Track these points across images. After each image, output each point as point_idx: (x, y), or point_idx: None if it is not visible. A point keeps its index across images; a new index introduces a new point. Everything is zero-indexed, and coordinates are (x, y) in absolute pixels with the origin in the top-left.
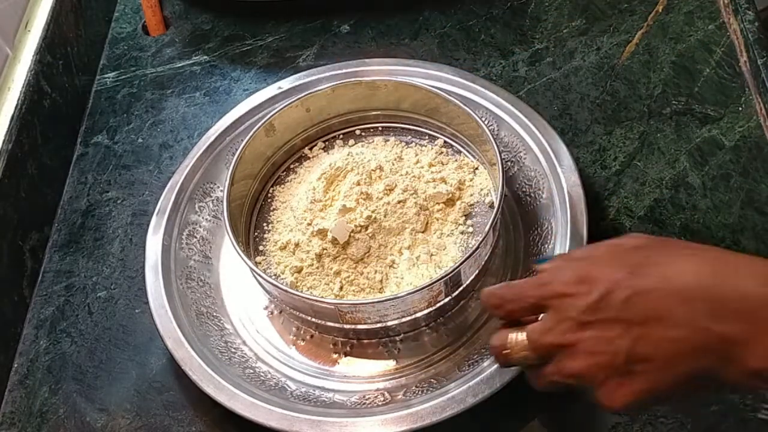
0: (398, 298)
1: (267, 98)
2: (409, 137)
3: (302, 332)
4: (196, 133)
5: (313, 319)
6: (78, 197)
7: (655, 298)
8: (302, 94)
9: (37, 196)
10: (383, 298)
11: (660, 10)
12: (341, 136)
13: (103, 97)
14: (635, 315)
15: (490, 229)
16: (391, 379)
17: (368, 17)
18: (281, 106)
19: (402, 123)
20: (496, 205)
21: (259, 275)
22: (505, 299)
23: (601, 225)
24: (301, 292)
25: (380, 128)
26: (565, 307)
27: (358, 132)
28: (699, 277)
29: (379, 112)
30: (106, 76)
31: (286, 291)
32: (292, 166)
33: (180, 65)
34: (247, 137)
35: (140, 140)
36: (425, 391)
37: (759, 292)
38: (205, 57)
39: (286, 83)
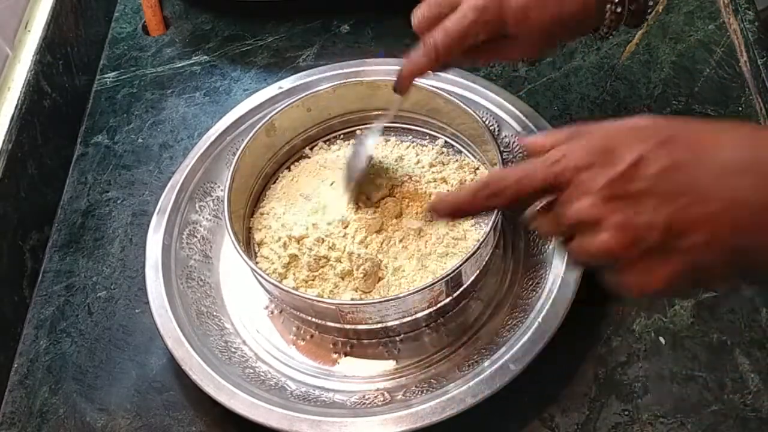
0: (399, 298)
1: (267, 98)
2: (410, 137)
3: (302, 332)
4: (196, 133)
5: (314, 319)
6: (78, 197)
7: (694, 169)
8: (303, 94)
9: (37, 196)
10: (384, 299)
11: (660, 10)
12: (342, 136)
13: (103, 97)
14: (671, 188)
15: (490, 229)
16: (391, 379)
17: (368, 17)
18: (282, 106)
19: (402, 123)
20: None
21: (260, 275)
22: (505, 183)
23: None
24: (302, 292)
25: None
26: (587, 180)
27: (358, 132)
28: (738, 151)
29: (379, 112)
30: (106, 76)
31: (286, 291)
32: (292, 166)
33: (180, 65)
34: (248, 137)
35: (140, 140)
36: (425, 391)
37: None
38: (205, 57)
39: (287, 83)
